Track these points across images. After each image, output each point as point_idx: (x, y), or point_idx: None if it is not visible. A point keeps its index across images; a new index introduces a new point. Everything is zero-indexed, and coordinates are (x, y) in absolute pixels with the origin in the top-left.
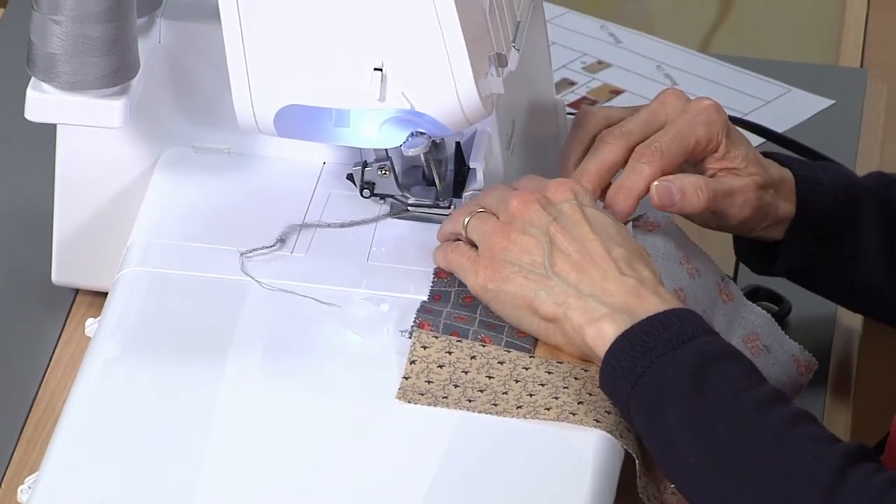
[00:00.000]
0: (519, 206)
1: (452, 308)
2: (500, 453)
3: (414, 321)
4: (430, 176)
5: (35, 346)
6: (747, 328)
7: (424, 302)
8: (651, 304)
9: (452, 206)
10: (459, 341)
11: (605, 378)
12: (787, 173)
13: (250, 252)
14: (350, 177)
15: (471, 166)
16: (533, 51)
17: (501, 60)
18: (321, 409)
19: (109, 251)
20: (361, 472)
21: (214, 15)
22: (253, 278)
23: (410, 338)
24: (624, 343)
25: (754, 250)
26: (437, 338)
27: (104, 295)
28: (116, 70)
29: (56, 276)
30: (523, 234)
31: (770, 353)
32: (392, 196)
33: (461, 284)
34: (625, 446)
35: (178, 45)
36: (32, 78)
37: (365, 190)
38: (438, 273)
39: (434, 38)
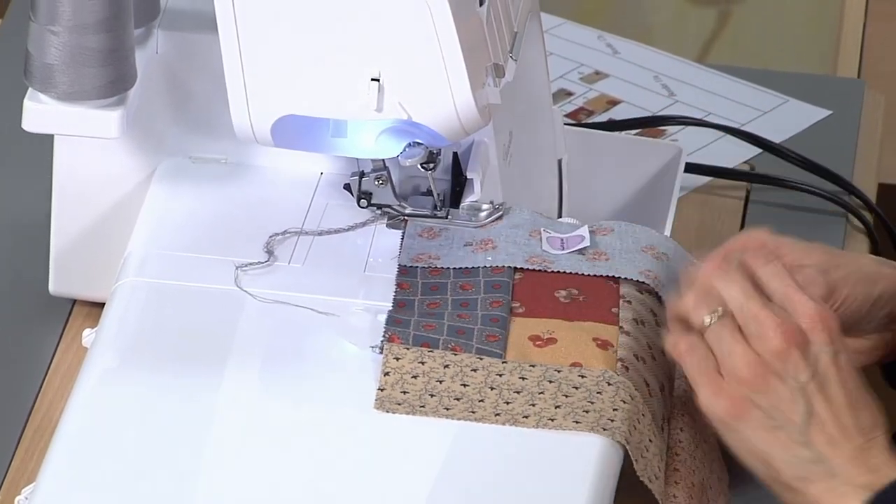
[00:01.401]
0: (780, 349)
1: (419, 317)
2: (501, 458)
3: (383, 335)
4: (428, 186)
5: (32, 357)
6: None
7: (391, 311)
8: (886, 475)
9: (449, 217)
10: (431, 351)
11: None
12: None
13: (245, 266)
14: (347, 187)
15: (468, 177)
16: (530, 61)
17: (498, 71)
18: (320, 420)
19: (107, 262)
20: (363, 482)
21: (212, 25)
22: (247, 292)
23: (381, 353)
24: None
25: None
26: (408, 349)
27: (101, 305)
28: (114, 81)
29: (53, 287)
30: (780, 383)
31: None
32: (389, 206)
33: (424, 293)
34: (611, 437)
35: (176, 55)
36: (30, 88)
37: (362, 200)
38: (402, 284)
39: (431, 49)
